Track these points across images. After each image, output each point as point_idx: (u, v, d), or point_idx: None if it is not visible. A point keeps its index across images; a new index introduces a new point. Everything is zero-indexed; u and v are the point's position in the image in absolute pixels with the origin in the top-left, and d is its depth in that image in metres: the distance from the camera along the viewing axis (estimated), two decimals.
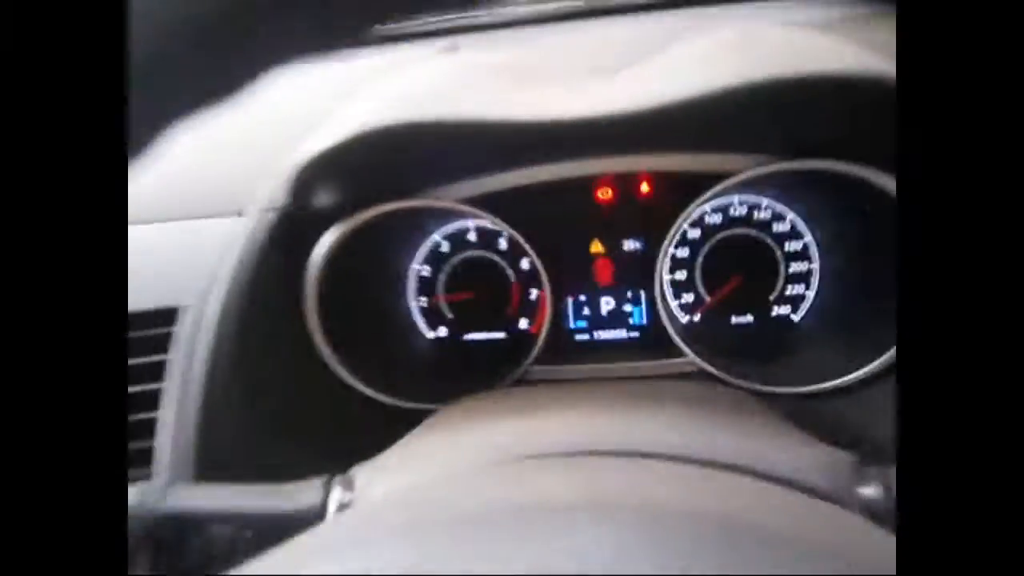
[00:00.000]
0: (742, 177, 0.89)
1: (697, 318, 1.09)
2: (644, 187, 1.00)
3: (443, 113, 0.73)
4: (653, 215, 0.99)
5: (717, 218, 1.06)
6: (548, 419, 0.55)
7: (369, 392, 0.95)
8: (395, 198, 0.93)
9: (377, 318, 1.07)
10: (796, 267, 1.06)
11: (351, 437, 0.72)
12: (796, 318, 1.07)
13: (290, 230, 0.82)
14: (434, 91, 0.81)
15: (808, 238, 1.05)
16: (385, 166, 0.84)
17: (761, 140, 0.86)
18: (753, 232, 1.05)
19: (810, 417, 0.67)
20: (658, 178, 0.98)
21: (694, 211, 0.93)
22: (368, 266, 1.04)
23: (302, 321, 0.91)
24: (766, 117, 0.75)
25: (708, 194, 0.91)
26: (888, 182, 0.83)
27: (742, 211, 1.05)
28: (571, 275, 1.06)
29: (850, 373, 0.89)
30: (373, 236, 0.99)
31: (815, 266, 1.06)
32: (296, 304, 0.90)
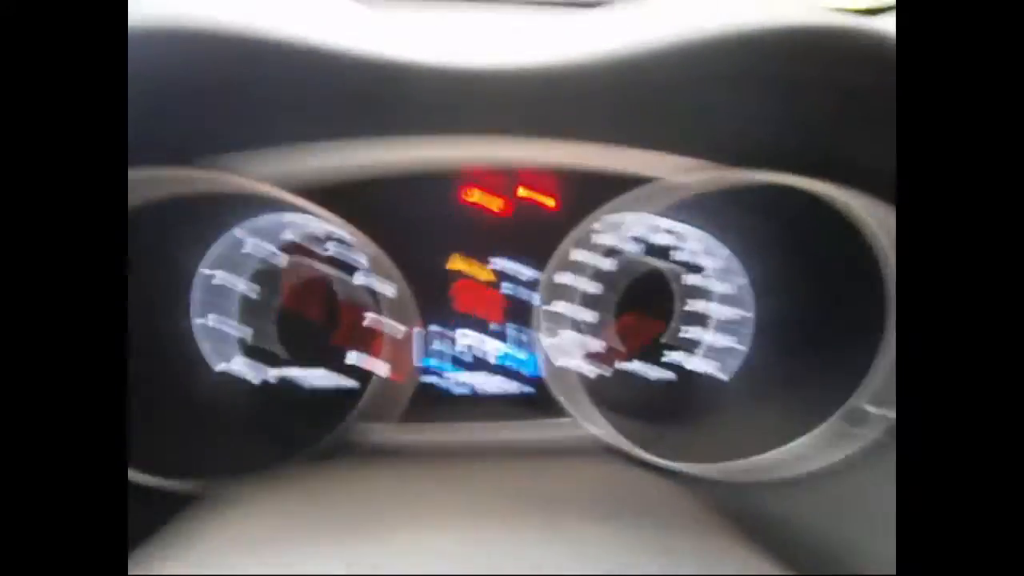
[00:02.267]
0: (662, 185, 0.63)
1: (608, 372, 0.82)
2: (523, 192, 0.72)
3: (245, 26, 0.45)
4: (535, 228, 0.72)
5: (636, 248, 0.80)
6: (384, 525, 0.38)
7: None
8: (159, 160, 0.61)
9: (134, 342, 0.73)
10: (726, 314, 0.80)
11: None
12: (725, 377, 0.81)
13: None
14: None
15: (743, 280, 0.79)
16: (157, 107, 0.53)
17: (703, 132, 0.62)
18: (678, 269, 0.80)
19: (741, 510, 0.53)
20: (548, 178, 0.71)
21: (590, 227, 0.66)
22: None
23: None
24: (719, 94, 0.52)
25: (606, 206, 0.66)
26: (847, 200, 0.61)
27: (666, 242, 0.80)
28: (422, 298, 0.75)
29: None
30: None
31: (749, 315, 0.80)
32: None
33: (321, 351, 0.80)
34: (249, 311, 0.80)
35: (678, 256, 0.82)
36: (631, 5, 0.55)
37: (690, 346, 0.84)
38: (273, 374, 0.80)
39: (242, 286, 0.79)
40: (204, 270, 0.79)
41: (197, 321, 0.79)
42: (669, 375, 0.83)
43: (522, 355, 0.77)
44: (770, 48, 0.46)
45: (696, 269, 0.83)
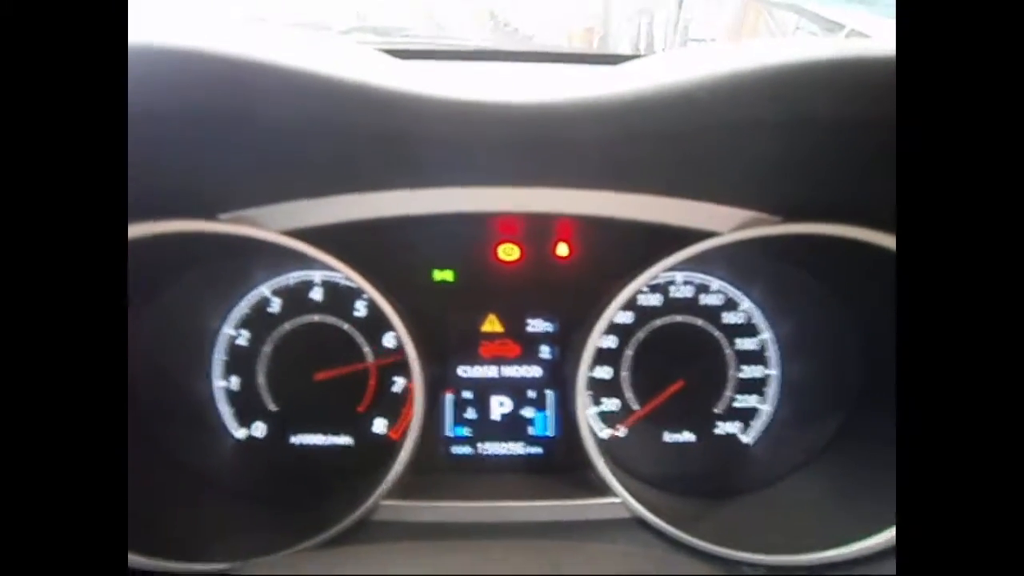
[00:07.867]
0: (716, 243, 0.63)
1: (622, 432, 0.80)
2: (562, 248, 0.72)
3: (255, 54, 0.43)
4: (573, 287, 0.72)
5: (655, 300, 0.79)
6: None
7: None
8: (177, 215, 0.59)
9: (145, 407, 0.70)
10: (749, 372, 0.81)
11: None
12: (747, 439, 0.81)
13: None
14: (244, 34, 0.47)
15: (766, 335, 0.81)
16: (156, 148, 0.50)
17: (743, 179, 0.61)
18: (698, 322, 0.80)
19: None
20: (585, 231, 0.70)
21: (634, 286, 0.65)
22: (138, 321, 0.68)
23: None
24: (758, 135, 0.50)
25: (665, 262, 0.64)
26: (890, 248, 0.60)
27: (686, 293, 0.80)
28: (453, 361, 0.75)
29: (834, 542, 0.62)
30: (150, 274, 0.64)
31: (773, 373, 0.81)
32: None
33: (347, 418, 0.77)
34: (273, 374, 0.77)
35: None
36: (653, 57, 0.55)
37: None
38: (296, 441, 0.77)
39: (267, 348, 0.76)
40: (227, 329, 0.76)
41: (219, 384, 0.76)
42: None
43: (559, 424, 0.76)
44: (809, 85, 0.44)
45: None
